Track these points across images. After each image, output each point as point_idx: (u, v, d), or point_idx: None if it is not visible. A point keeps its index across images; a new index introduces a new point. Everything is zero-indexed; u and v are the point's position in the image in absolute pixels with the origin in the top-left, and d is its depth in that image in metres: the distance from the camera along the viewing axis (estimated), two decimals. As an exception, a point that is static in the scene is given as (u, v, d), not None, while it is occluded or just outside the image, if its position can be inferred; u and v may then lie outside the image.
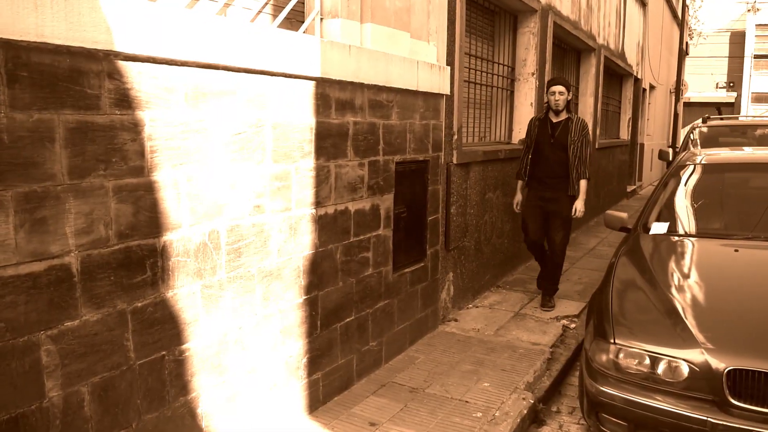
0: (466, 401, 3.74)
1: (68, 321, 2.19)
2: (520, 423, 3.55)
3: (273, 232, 3.08)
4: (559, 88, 5.31)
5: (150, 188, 2.43)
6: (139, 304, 2.44)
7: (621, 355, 3.06)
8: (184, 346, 2.66)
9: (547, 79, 7.33)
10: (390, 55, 3.90)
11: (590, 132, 5.49)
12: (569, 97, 5.38)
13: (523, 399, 3.79)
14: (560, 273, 5.79)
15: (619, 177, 12.92)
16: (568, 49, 9.18)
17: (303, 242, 3.30)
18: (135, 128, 2.37)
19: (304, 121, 3.22)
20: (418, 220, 4.46)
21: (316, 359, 3.51)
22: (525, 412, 3.64)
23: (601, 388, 3.08)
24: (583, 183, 5.40)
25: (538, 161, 5.48)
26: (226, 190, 2.78)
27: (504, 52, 6.78)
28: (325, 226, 3.45)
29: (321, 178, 3.36)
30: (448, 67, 4.76)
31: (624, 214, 4.67)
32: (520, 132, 7.00)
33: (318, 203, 3.37)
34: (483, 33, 6.31)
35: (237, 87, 2.80)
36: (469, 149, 5.44)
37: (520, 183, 5.73)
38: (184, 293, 2.62)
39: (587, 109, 9.93)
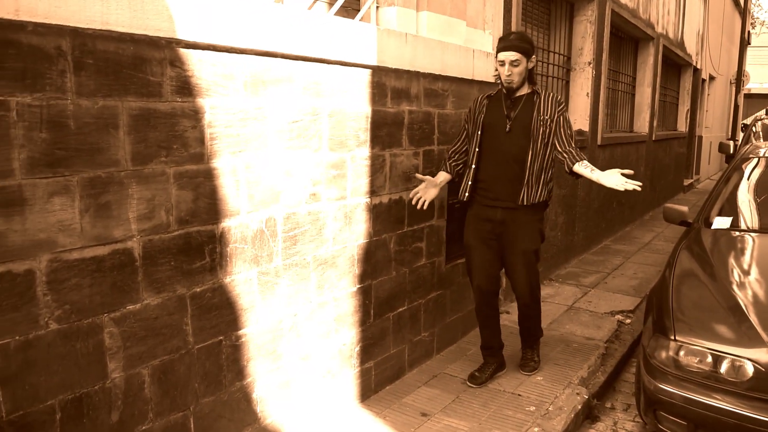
0: (519, 394, 3.69)
1: (130, 304, 2.24)
2: (573, 418, 3.49)
3: (328, 221, 3.08)
4: (511, 55, 3.33)
5: (209, 175, 2.45)
6: (198, 290, 2.48)
7: (681, 353, 2.97)
8: (240, 332, 2.69)
9: (604, 69, 7.16)
10: (446, 43, 3.85)
11: (566, 107, 3.59)
12: (531, 66, 3.46)
13: (577, 394, 3.72)
14: (540, 320, 4.00)
15: (676, 170, 12.57)
16: (626, 38, 8.94)
17: (357, 231, 3.30)
18: (195, 115, 2.39)
19: (360, 109, 3.21)
20: (471, 210, 4.41)
21: (368, 348, 3.51)
22: (579, 407, 3.58)
23: (660, 386, 3.00)
24: (582, 166, 3.48)
25: (485, 157, 3.58)
26: (283, 177, 2.79)
27: (560, 41, 6.65)
28: (380, 215, 3.44)
29: (376, 166, 3.35)
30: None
31: (684, 208, 4.53)
32: (575, 123, 6.86)
33: (373, 192, 3.36)
34: (538, 21, 6.18)
35: (294, 75, 2.80)
36: (524, 139, 5.35)
37: (439, 174, 3.69)
38: (241, 279, 2.65)
39: (644, 100, 9.67)
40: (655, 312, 3.34)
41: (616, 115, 8.96)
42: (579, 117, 6.88)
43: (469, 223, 3.72)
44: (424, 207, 3.50)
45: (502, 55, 3.37)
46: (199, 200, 2.43)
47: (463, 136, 3.69)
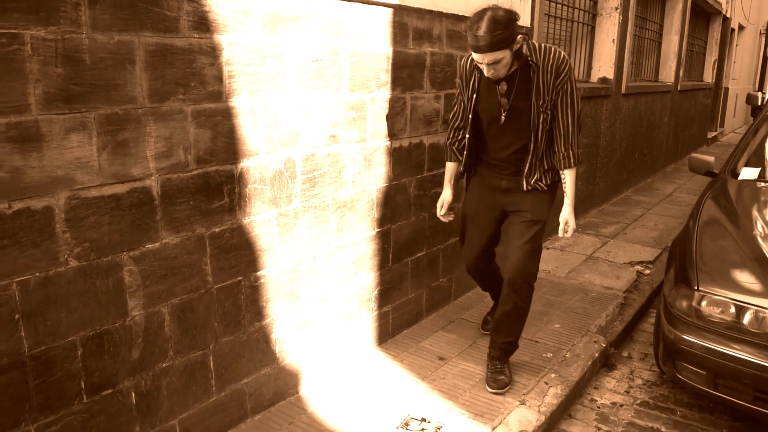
0: (536, 341, 3.69)
1: (149, 243, 2.23)
2: (590, 366, 3.49)
3: (348, 163, 3.04)
4: (487, 57, 2.67)
5: (228, 114, 2.41)
6: (217, 230, 2.46)
7: (704, 303, 2.93)
8: (259, 273, 2.68)
9: (632, 15, 6.94)
10: (469, -18, 3.73)
11: (572, 71, 2.89)
12: (518, 46, 2.75)
13: (595, 342, 3.72)
14: (524, 321, 3.23)
15: (700, 122, 12.32)
16: (654, -18, 8.66)
17: (377, 174, 3.25)
18: (213, 52, 2.33)
19: (381, 50, 3.13)
20: (492, 157, 4.34)
21: (386, 292, 3.51)
22: (596, 355, 3.57)
23: (681, 336, 2.98)
24: (570, 175, 3.01)
25: (483, 142, 3.14)
26: (302, 118, 2.74)
27: (586, -16, 6.44)
28: (400, 159, 3.39)
29: (396, 109, 3.29)
30: (527, 2, 4.54)
31: (711, 158, 4.44)
32: (599, 71, 6.70)
33: (393, 135, 3.30)
34: (565, -37, 5.98)
35: (314, 13, 2.72)
36: (547, 86, 5.21)
37: (449, 167, 3.27)
38: (260, 221, 2.63)
39: (671, 48, 9.41)
40: (678, 262, 3.30)
41: (642, 63, 8.74)
42: (603, 64, 6.70)
43: (471, 190, 3.31)
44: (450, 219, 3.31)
45: (477, 57, 2.71)
46: (218, 139, 2.39)
47: (459, 112, 3.16)
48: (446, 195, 3.27)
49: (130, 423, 2.29)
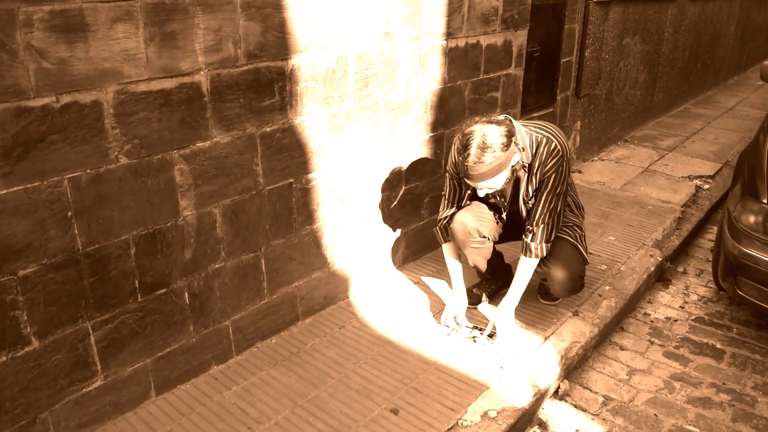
0: (590, 253, 3.58)
1: (199, 141, 2.16)
2: (646, 279, 3.39)
3: (401, 62, 2.89)
4: (483, 184, 2.39)
5: (278, 6, 2.27)
6: (268, 129, 2.38)
7: None
8: (310, 175, 2.61)
9: None
10: None
11: (564, 159, 2.50)
12: (516, 162, 2.42)
13: (651, 256, 3.60)
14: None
15: (767, 33, 11.56)
16: None
17: (432, 76, 3.10)
18: (263, -63, 2.17)
19: (439, -61, 2.91)
20: (550, 61, 4.12)
21: (437, 199, 3.42)
22: (652, 269, 3.47)
23: (745, 250, 2.84)
24: (526, 266, 2.66)
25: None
26: (355, 12, 2.58)
27: None
28: (455, 59, 3.21)
29: (453, 5, 3.08)
30: None
31: (787, 64, 4.13)
32: (667, -31, 6.23)
33: (449, 34, 3.12)
34: None
35: None
36: (611, -14, 4.88)
37: (452, 263, 2.87)
38: (312, 121, 2.53)
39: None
40: (747, 174, 3.11)
41: (710, -36, 8.13)
42: (670, -36, 6.23)
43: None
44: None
45: (476, 184, 2.42)
46: (268, 33, 2.26)
47: (452, 196, 2.78)
48: (458, 302, 2.83)
49: (183, 322, 2.30)
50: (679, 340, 3.05)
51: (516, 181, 2.60)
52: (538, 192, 2.56)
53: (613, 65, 5.22)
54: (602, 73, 5.04)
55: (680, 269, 3.79)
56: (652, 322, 3.21)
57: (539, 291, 3.09)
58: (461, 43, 3.21)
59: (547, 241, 2.61)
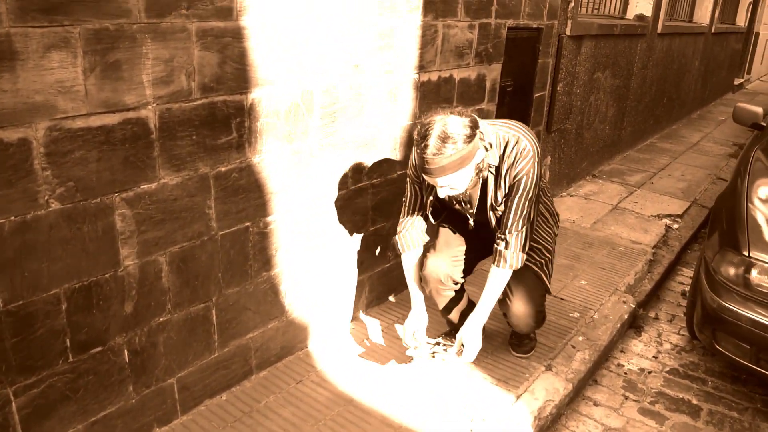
0: (562, 299, 3.44)
1: (145, 183, 1.93)
2: (619, 328, 3.25)
3: (371, 97, 2.70)
4: (441, 181, 2.14)
5: (238, 34, 2.07)
6: (223, 169, 2.16)
7: (755, 271, 2.66)
8: (269, 218, 2.39)
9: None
10: None
11: (536, 160, 2.28)
12: (481, 159, 2.19)
13: (624, 302, 3.47)
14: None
15: (729, 68, 11.75)
16: None
17: (402, 110, 2.92)
18: (223, -40, 1.98)
19: (413, -31, 2.75)
20: (523, 95, 4.00)
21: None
22: (625, 317, 3.34)
23: (724, 304, 2.71)
24: (498, 277, 2.41)
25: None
26: (323, 44, 2.39)
27: None
28: (427, 94, 3.04)
29: (427, 38, 2.92)
30: None
31: (759, 109, 4.08)
32: (636, 6, 6.22)
33: (421, 67, 2.95)
34: None
35: None
36: (584, 20, 4.79)
37: (412, 275, 2.63)
38: (272, 159, 2.32)
39: (707, -16, 8.82)
40: (726, 223, 2.99)
41: (676, 1, 8.20)
42: (642, 0, 6.22)
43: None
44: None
45: (429, 179, 2.16)
46: (226, 64, 2.06)
47: (413, 202, 2.52)
48: (418, 318, 2.62)
49: (122, 382, 2.05)
50: (654, 395, 2.90)
51: (483, 186, 2.35)
52: (508, 198, 2.31)
53: (583, 100, 5.14)
54: (573, 107, 4.95)
55: (652, 314, 3.67)
56: (625, 374, 3.06)
57: (510, 342, 2.92)
58: (434, 76, 3.04)
59: (522, 251, 2.35)
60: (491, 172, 2.29)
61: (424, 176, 2.17)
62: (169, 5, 1.85)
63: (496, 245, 2.38)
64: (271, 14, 2.14)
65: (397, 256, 2.81)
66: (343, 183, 2.70)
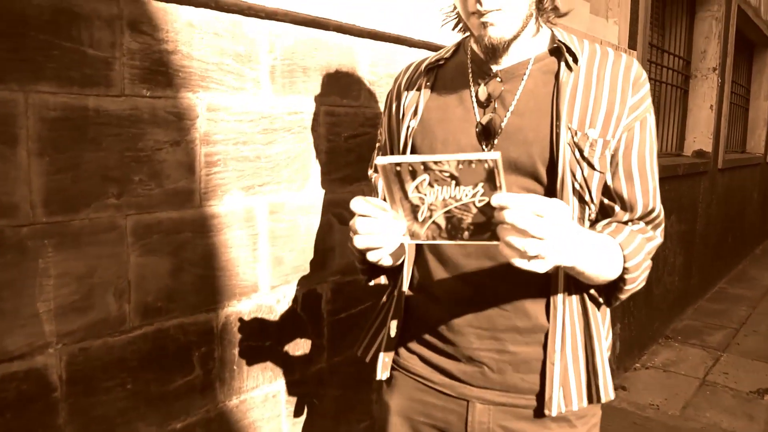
0: None
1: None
2: None
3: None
4: None
5: (203, 227, 1.40)
6: (179, 426, 1.42)
7: None
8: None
9: (728, 77, 5.89)
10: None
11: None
12: None
13: None
14: None
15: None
16: (741, 41, 7.61)
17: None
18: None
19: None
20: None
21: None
22: None
23: None
24: (642, 239, 1.15)
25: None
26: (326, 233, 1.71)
27: (677, 41, 5.42)
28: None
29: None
30: (634, 53, 3.54)
31: None
32: (694, 142, 5.62)
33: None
34: (653, 16, 4.99)
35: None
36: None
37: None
38: (260, 399, 1.58)
39: (760, 115, 8.28)
40: None
41: (729, 132, 7.63)
42: (700, 135, 5.62)
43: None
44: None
45: None
46: (184, 272, 1.37)
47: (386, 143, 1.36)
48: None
49: None
50: None
51: (547, 89, 1.15)
52: (622, 156, 1.14)
53: (651, 252, 4.39)
54: (641, 262, 4.19)
55: None
56: None
57: None
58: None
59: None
60: (567, 49, 1.16)
61: None
62: (88, 193, 1.20)
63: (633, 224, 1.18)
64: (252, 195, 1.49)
65: None
66: None
